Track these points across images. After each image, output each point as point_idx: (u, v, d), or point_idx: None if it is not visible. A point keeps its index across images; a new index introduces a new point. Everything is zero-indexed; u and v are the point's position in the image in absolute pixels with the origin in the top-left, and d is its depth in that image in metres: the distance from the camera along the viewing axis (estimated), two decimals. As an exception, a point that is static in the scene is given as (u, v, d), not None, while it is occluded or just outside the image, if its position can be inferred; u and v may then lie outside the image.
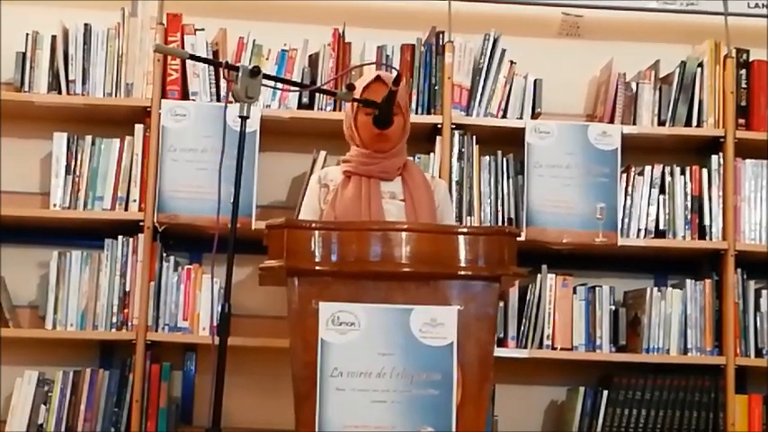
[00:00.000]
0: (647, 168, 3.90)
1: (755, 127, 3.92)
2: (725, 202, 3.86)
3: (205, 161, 3.67)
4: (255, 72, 2.73)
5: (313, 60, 3.90)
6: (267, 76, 2.85)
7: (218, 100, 3.80)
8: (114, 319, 3.68)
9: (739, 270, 3.83)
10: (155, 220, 3.68)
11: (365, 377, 2.64)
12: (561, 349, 3.76)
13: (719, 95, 3.92)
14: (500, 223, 3.81)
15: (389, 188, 3.20)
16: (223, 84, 3.78)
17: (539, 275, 3.77)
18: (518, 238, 2.89)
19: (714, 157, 3.89)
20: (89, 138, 3.78)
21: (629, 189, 3.87)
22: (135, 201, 3.73)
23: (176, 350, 3.86)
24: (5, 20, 3.93)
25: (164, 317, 3.69)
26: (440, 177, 3.65)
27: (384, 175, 3.20)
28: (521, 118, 3.89)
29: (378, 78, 3.20)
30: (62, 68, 3.78)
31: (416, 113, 3.81)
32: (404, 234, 2.73)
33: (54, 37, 3.80)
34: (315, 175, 3.39)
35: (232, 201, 2.68)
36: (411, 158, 3.35)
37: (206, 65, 3.78)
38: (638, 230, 3.85)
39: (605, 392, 3.76)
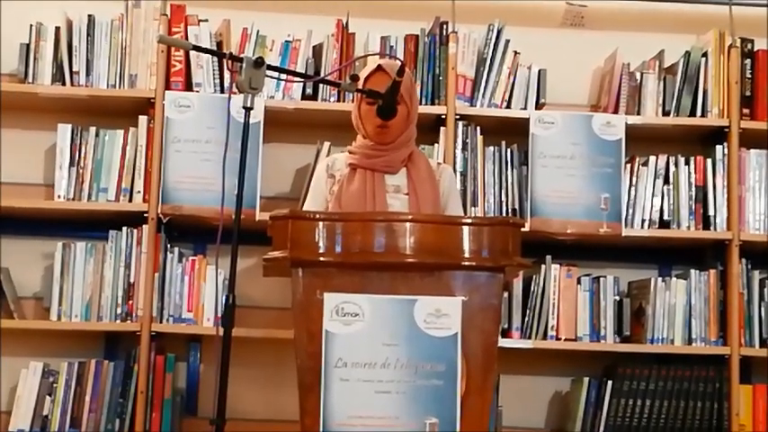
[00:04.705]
0: (652, 158, 3.89)
1: (760, 117, 3.91)
2: (729, 192, 3.86)
3: (209, 152, 3.67)
4: (259, 63, 2.72)
5: (317, 51, 3.90)
6: (271, 67, 2.85)
7: (222, 91, 3.80)
8: (119, 311, 3.69)
9: (744, 260, 3.83)
10: (159, 212, 3.68)
11: (369, 368, 2.64)
12: (565, 340, 3.76)
13: (724, 85, 3.91)
14: (504, 214, 3.81)
15: (394, 182, 3.19)
16: (227, 75, 3.78)
17: (543, 266, 3.77)
18: (522, 229, 2.89)
19: (718, 147, 3.89)
20: (93, 129, 3.78)
21: (634, 179, 3.87)
22: (139, 192, 3.74)
23: (181, 341, 3.87)
24: (9, 11, 3.93)
25: (168, 308, 3.70)
26: (445, 166, 3.64)
27: (388, 168, 3.19)
28: (525, 108, 3.89)
29: (379, 68, 3.18)
30: (66, 60, 3.78)
31: (420, 104, 3.76)
32: (408, 225, 2.72)
33: (58, 28, 3.80)
34: (322, 163, 3.37)
35: (236, 192, 2.68)
36: (417, 147, 3.33)
37: (210, 56, 3.78)
38: (643, 221, 3.85)
39: (609, 383, 3.77)
